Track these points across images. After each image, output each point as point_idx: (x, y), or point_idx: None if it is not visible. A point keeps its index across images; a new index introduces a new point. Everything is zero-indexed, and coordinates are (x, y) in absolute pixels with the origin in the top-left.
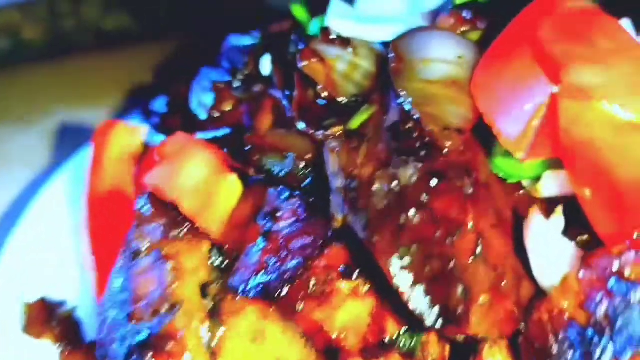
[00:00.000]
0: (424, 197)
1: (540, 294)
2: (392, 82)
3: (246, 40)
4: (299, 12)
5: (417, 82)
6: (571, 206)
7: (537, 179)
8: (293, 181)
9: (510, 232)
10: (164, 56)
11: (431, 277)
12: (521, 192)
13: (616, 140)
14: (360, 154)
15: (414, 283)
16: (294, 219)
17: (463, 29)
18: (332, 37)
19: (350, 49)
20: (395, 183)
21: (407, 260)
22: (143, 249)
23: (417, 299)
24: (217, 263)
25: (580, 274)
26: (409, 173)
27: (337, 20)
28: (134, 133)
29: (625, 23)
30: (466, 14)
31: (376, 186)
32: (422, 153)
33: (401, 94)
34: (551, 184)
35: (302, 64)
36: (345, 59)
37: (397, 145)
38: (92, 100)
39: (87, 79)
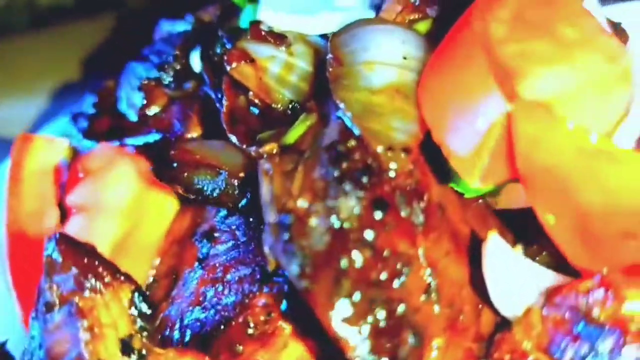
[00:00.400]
0: (368, 234)
1: (503, 321)
2: (330, 90)
3: (179, 26)
4: None
5: (358, 92)
6: (532, 220)
7: (497, 191)
8: (228, 201)
9: (467, 253)
10: (99, 34)
11: (377, 326)
12: (480, 201)
13: (581, 166)
14: (296, 180)
15: (358, 336)
16: (232, 242)
17: (411, 17)
18: (263, 32)
19: (284, 47)
20: (334, 218)
21: (348, 310)
22: (55, 301)
23: (362, 353)
24: (141, 310)
25: (544, 311)
26: (350, 204)
27: (270, 11)
28: (54, 147)
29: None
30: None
31: (313, 222)
32: (364, 179)
33: (340, 106)
34: (512, 197)
35: (230, 68)
36: (280, 58)
37: (337, 171)
38: (26, 88)
39: (20, 63)
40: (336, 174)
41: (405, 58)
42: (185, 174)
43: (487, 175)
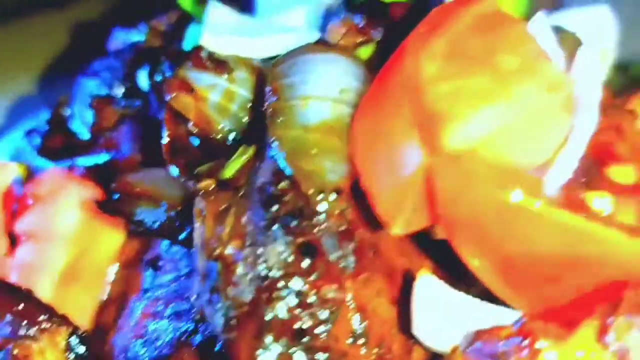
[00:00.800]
0: (295, 282)
1: (435, 357)
2: (267, 126)
3: (133, 36)
4: (186, 3)
5: (293, 129)
6: None
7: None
8: (169, 233)
9: (400, 286)
10: (66, 28)
11: None
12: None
13: (500, 218)
14: (227, 225)
15: None
16: (175, 273)
17: (356, 40)
18: (204, 60)
19: (225, 75)
20: (262, 266)
21: None
22: None
23: None
24: (78, 353)
25: (467, 355)
26: (278, 251)
27: (213, 35)
28: (3, 172)
29: (539, 19)
30: (358, 21)
31: (240, 271)
32: (294, 223)
33: (274, 144)
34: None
35: (170, 97)
36: (220, 86)
37: (267, 214)
38: None
39: None
40: (266, 217)
41: (342, 91)
42: (127, 205)
43: (410, 223)
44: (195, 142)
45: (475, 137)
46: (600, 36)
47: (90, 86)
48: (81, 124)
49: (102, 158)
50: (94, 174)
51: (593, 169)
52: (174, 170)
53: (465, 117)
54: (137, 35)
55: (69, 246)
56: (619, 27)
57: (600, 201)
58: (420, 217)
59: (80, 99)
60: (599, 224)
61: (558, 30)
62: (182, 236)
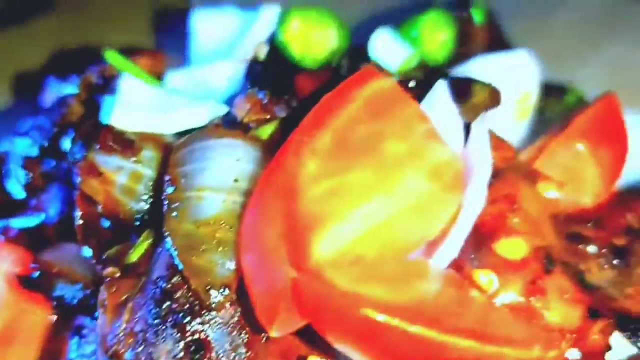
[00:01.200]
0: None
1: None
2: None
3: (66, 88)
4: (114, 58)
5: (185, 223)
6: None
7: None
8: (86, 309)
9: None
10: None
11: None
12: None
13: (363, 329)
14: (124, 319)
15: None
16: (95, 344)
17: (260, 117)
18: (112, 142)
19: (133, 157)
20: None
21: None
22: None
23: None
24: None
25: None
26: (168, 349)
27: (122, 114)
28: None
29: (440, 88)
30: (262, 96)
31: None
32: (184, 320)
33: (167, 239)
34: None
35: (79, 181)
36: (127, 169)
37: (159, 311)
38: None
39: None
40: (158, 315)
41: (237, 180)
42: (47, 282)
43: (286, 325)
44: (106, 223)
45: (346, 239)
46: (521, 80)
47: (22, 145)
48: (16, 183)
49: (33, 221)
50: (24, 239)
51: (482, 244)
52: (87, 252)
53: (337, 220)
54: (69, 88)
55: (1, 311)
56: (553, 55)
57: (485, 278)
58: (296, 319)
59: (14, 158)
60: (451, 335)
61: (472, 81)
62: (97, 314)
